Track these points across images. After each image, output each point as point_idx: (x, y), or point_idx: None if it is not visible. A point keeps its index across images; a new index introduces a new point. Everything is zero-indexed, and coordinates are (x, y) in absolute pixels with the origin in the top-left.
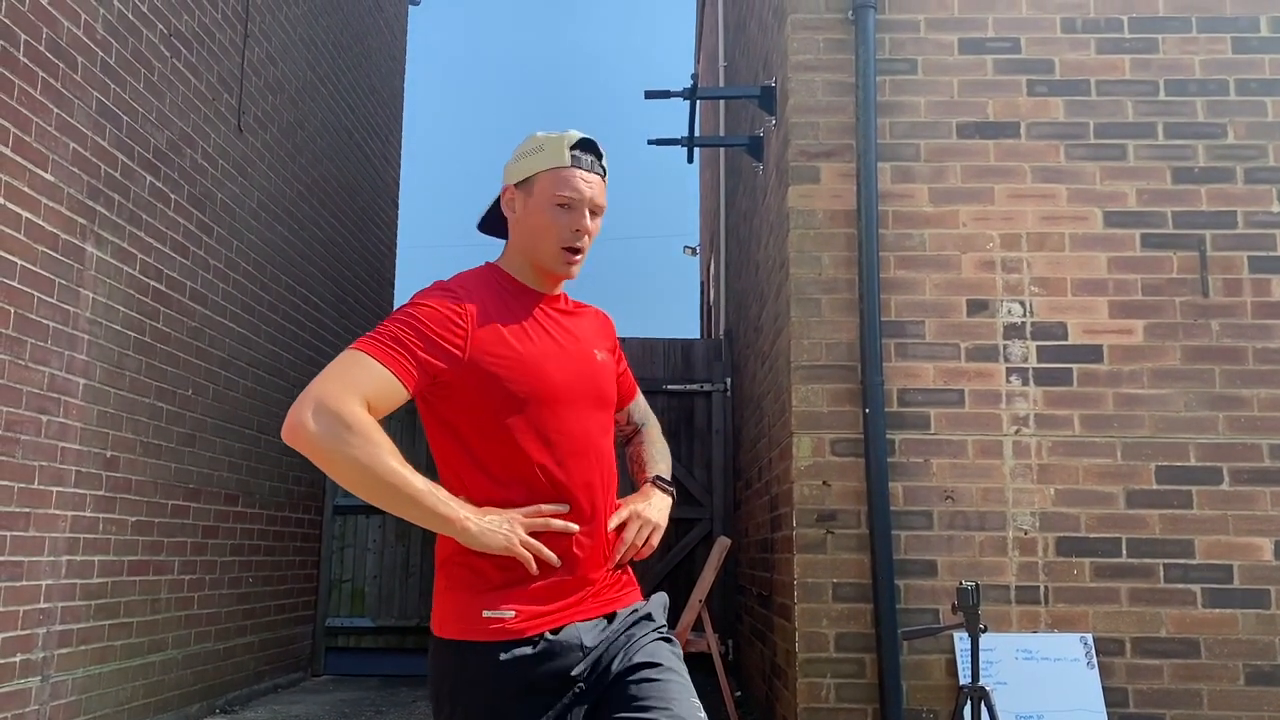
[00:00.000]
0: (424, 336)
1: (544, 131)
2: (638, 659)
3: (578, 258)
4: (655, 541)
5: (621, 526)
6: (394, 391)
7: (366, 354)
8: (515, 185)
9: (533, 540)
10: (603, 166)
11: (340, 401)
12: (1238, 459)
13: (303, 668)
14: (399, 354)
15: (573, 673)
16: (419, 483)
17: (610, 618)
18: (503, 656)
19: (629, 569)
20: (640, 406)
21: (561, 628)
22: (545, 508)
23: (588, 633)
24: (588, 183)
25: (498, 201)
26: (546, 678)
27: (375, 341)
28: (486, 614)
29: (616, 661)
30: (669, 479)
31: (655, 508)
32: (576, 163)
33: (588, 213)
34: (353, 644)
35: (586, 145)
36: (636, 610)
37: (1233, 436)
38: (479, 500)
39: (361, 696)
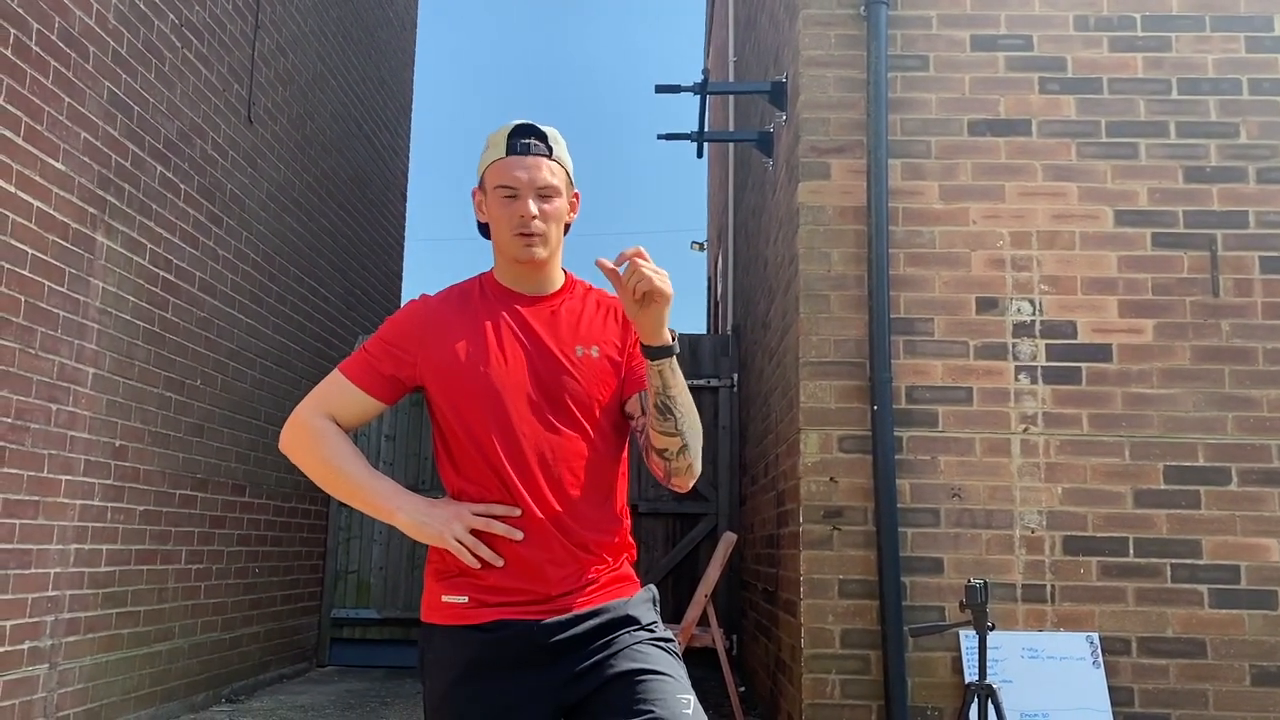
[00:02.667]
0: (384, 350)
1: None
2: (620, 665)
3: (533, 238)
4: (647, 286)
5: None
6: (362, 402)
7: (340, 373)
8: (477, 187)
9: (469, 536)
10: (546, 146)
11: (305, 414)
12: (1246, 459)
13: (308, 658)
14: (364, 370)
15: (534, 661)
16: (362, 477)
17: (583, 617)
18: (459, 639)
19: (629, 570)
20: None
21: (515, 620)
22: (497, 508)
23: (550, 629)
24: (525, 168)
25: None
26: (503, 662)
27: (351, 360)
28: (445, 598)
29: (596, 667)
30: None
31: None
32: (513, 150)
33: (533, 197)
34: (358, 635)
35: (524, 131)
36: (610, 610)
37: (1241, 437)
38: (449, 489)
39: (366, 687)
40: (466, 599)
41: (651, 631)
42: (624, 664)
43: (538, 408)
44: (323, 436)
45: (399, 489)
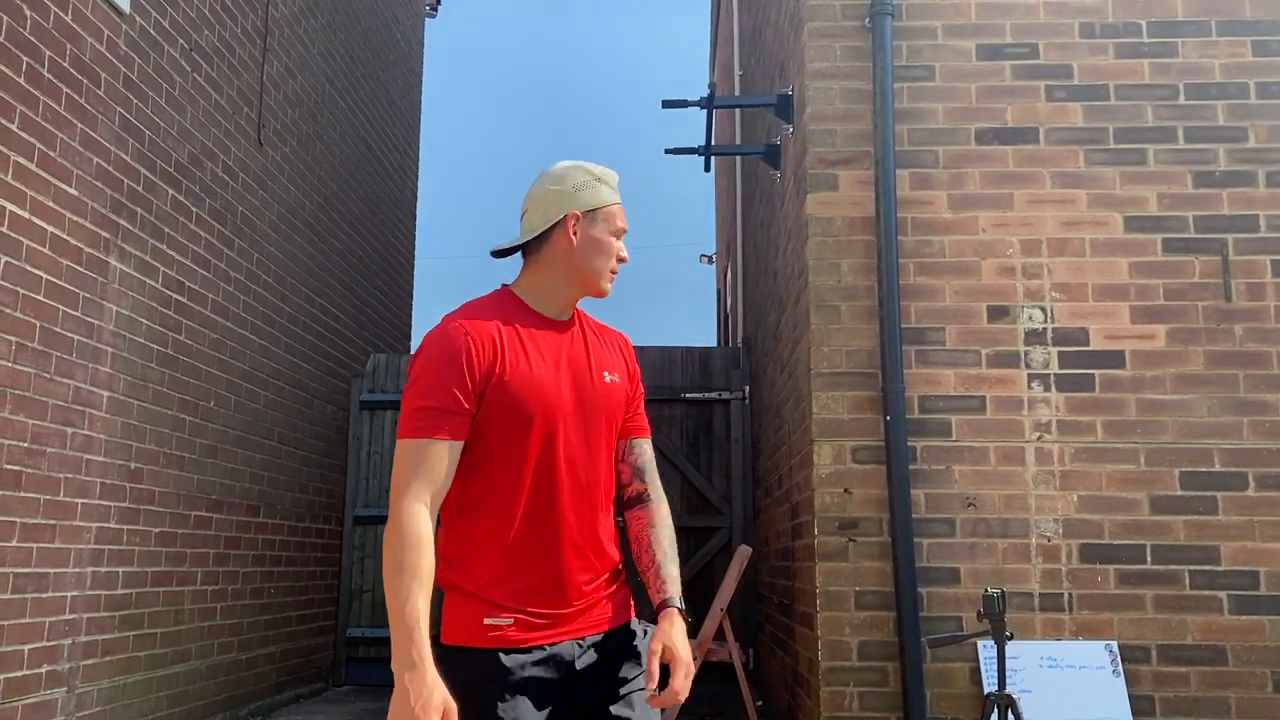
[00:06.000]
0: (463, 390)
1: (576, 161)
2: (617, 710)
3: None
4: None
5: (664, 670)
6: (456, 452)
7: (415, 439)
8: (581, 213)
9: None
10: None
11: (401, 513)
12: (1263, 464)
13: (324, 678)
14: (457, 423)
15: (574, 679)
16: (409, 616)
17: (603, 638)
18: (507, 661)
19: (624, 583)
20: (648, 456)
21: (558, 643)
22: None
23: (581, 649)
24: (624, 219)
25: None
26: (542, 685)
27: (421, 419)
28: (488, 620)
29: (610, 672)
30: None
31: (686, 646)
32: (620, 202)
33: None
34: (373, 654)
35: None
36: (631, 633)
37: (1258, 441)
38: (467, 503)
39: (382, 707)
40: (512, 621)
41: (641, 684)
42: (622, 711)
43: (579, 426)
44: (405, 550)
45: (423, 646)
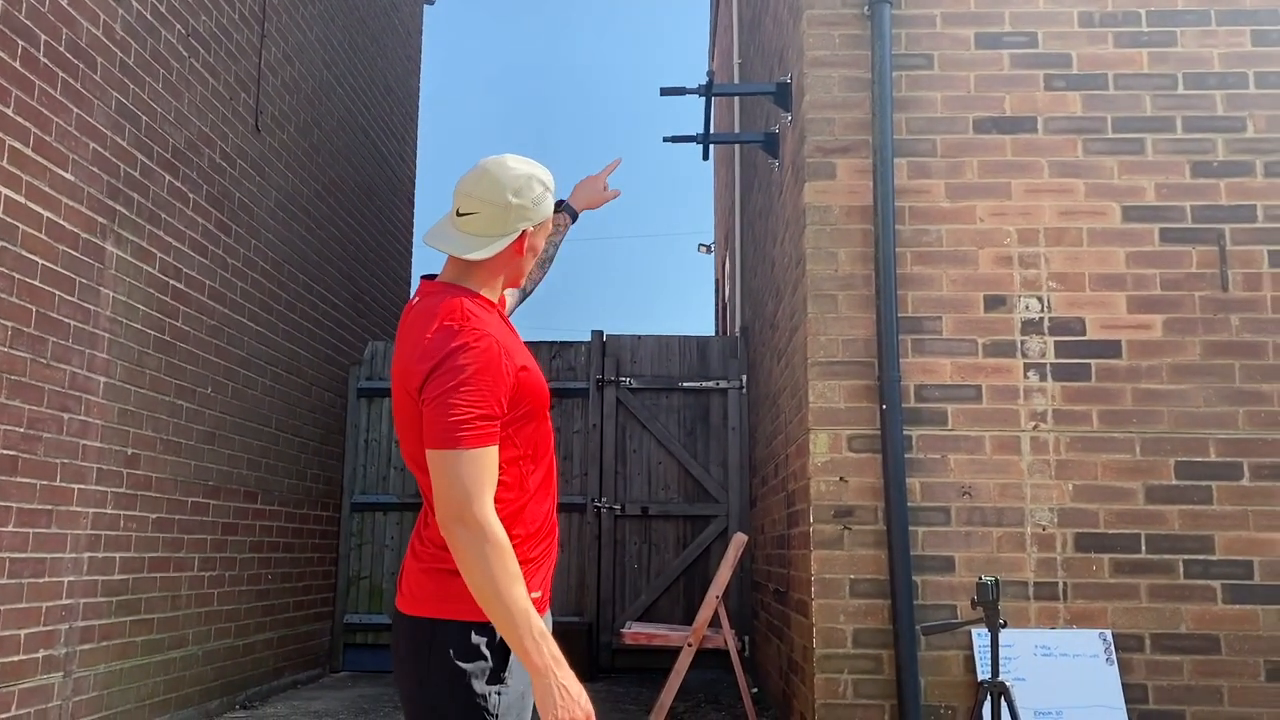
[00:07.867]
0: (500, 392)
1: (529, 164)
2: None
3: None
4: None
5: None
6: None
7: (479, 448)
8: (535, 226)
9: None
10: None
11: (488, 521)
12: (1258, 454)
13: (321, 664)
14: (495, 427)
15: None
16: (535, 620)
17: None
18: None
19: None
20: None
21: (543, 615)
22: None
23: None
24: None
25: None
26: None
27: (475, 429)
28: (532, 596)
29: None
30: None
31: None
32: None
33: None
34: (371, 640)
35: None
36: None
37: (1253, 432)
38: (509, 506)
39: (380, 692)
40: (540, 594)
41: None
42: None
43: None
44: (500, 550)
45: (545, 634)
